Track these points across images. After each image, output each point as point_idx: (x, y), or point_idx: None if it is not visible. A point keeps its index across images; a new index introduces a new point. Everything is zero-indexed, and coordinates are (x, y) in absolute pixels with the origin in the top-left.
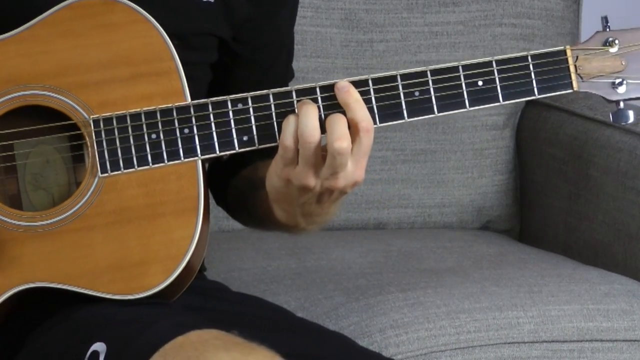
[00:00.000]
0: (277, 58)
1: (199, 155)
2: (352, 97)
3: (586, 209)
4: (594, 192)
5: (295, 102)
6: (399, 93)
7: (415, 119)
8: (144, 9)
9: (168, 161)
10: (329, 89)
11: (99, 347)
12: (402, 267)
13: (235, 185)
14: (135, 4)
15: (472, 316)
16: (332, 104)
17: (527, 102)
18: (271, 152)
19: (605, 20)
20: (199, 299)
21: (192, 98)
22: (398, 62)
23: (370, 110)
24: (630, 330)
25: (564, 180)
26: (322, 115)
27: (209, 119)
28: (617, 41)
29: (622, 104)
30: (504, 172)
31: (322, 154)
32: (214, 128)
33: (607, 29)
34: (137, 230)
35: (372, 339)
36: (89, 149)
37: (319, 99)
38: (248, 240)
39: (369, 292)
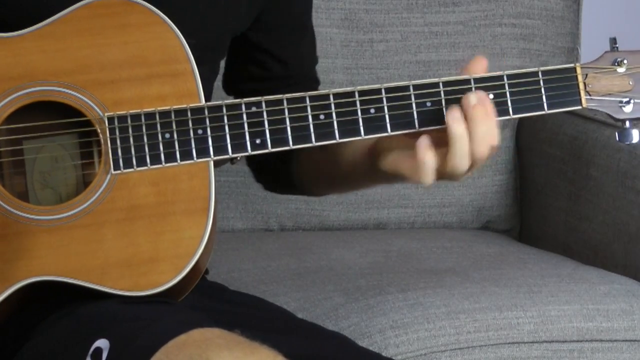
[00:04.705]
0: (298, 44)
1: (212, 156)
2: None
3: (586, 209)
4: (594, 192)
5: (309, 107)
6: (412, 103)
7: (427, 128)
8: (160, 10)
9: (181, 161)
10: (342, 96)
11: (102, 343)
12: (402, 268)
13: (309, 160)
14: (152, 4)
15: (472, 316)
16: (343, 111)
17: None
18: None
19: (614, 40)
20: (199, 299)
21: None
22: (398, 62)
23: (382, 118)
24: (630, 330)
25: (564, 180)
26: (335, 122)
27: (223, 121)
28: (625, 61)
29: (628, 123)
30: (504, 172)
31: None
32: (227, 130)
33: (616, 49)
34: (147, 228)
35: (372, 339)
36: (102, 146)
37: (332, 105)
38: (248, 241)
39: (368, 292)
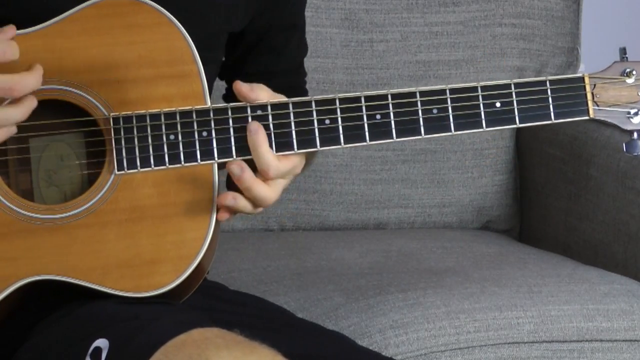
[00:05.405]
0: (289, 39)
1: (216, 159)
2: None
3: (586, 209)
4: (594, 192)
5: (314, 111)
6: (417, 110)
7: (432, 135)
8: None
9: (185, 162)
10: (347, 101)
11: (102, 343)
12: (402, 268)
13: None
14: (159, 4)
15: (472, 316)
16: (349, 117)
17: None
18: None
19: (623, 51)
20: (199, 299)
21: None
22: (398, 62)
23: (388, 124)
24: (630, 330)
25: (564, 180)
26: (341, 127)
27: (228, 124)
28: (634, 72)
29: (635, 135)
30: (504, 172)
31: None
32: (232, 133)
33: (625, 59)
34: (150, 229)
35: (372, 339)
36: (107, 146)
37: (338, 110)
38: (248, 240)
39: (368, 292)
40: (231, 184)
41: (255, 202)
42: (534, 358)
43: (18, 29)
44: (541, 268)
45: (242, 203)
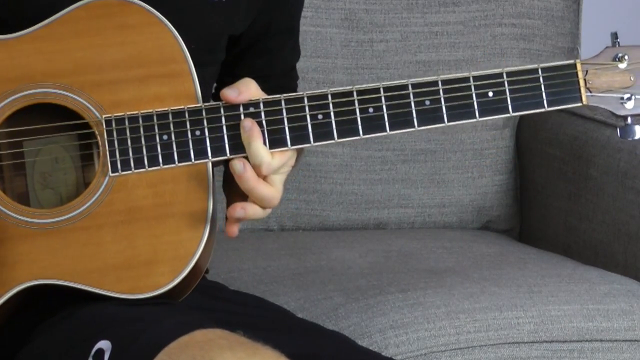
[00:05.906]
0: (285, 43)
1: (210, 158)
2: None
3: (586, 209)
4: (594, 192)
5: (307, 107)
6: (410, 102)
7: (425, 127)
8: (161, 13)
9: (179, 162)
10: (340, 95)
11: (104, 345)
12: (402, 268)
13: None
14: (151, 6)
15: (472, 316)
16: (342, 111)
17: None
18: None
19: (615, 35)
20: (200, 299)
21: (202, 100)
22: (398, 62)
23: (381, 117)
24: (630, 330)
25: (564, 180)
26: (334, 122)
27: (221, 122)
28: (626, 57)
29: (629, 120)
30: (504, 172)
31: None
32: (225, 131)
33: (617, 45)
34: (146, 230)
35: (372, 339)
36: (100, 148)
37: (330, 104)
38: (248, 240)
39: (368, 292)
40: (227, 188)
41: (261, 203)
42: (534, 358)
43: (15, 30)
44: (541, 268)
45: (252, 210)
